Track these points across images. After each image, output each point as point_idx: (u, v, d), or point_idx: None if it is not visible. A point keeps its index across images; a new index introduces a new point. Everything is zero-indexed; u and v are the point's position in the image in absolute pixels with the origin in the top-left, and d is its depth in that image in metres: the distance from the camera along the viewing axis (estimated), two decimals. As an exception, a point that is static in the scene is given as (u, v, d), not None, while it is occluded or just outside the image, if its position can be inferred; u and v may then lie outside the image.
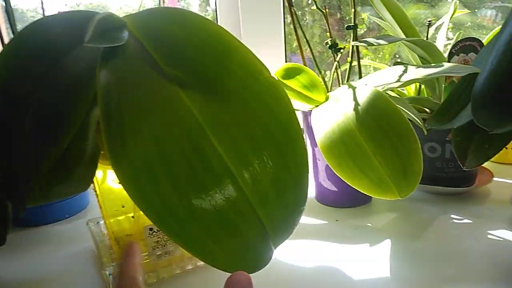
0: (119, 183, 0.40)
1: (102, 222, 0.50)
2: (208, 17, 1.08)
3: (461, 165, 0.40)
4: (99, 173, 0.43)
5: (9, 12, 0.62)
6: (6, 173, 0.35)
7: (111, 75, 0.33)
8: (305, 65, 0.56)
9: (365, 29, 1.13)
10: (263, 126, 0.32)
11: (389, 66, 0.58)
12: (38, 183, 0.35)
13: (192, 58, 0.33)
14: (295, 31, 0.55)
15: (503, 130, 0.34)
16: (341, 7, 1.22)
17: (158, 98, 0.32)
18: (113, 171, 0.30)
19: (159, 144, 0.30)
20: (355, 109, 0.44)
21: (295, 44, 0.68)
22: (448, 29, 0.85)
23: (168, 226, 0.29)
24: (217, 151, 0.30)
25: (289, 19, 0.82)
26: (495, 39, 0.39)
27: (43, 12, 0.60)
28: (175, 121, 0.31)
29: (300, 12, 1.13)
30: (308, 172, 0.32)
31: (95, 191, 0.43)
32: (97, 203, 0.45)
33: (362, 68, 0.88)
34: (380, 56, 1.14)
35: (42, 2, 0.55)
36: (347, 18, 1.22)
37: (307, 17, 1.14)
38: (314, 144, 0.55)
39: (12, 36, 0.62)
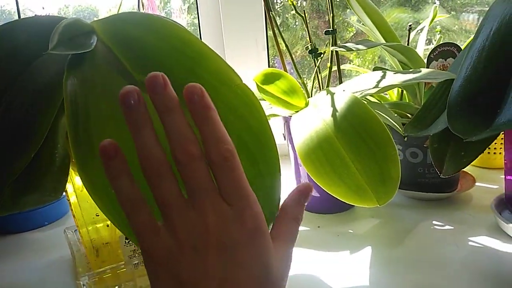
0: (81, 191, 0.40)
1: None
2: (193, 21, 1.08)
3: (438, 172, 0.39)
4: (77, 181, 0.42)
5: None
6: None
7: (79, 81, 0.32)
8: (285, 70, 0.56)
9: (354, 32, 1.13)
10: (235, 134, 0.31)
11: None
12: (8, 192, 0.35)
13: (163, 65, 0.33)
14: (274, 36, 0.54)
15: (477, 138, 0.34)
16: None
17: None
18: (80, 178, 0.30)
19: (127, 152, 0.30)
20: (333, 115, 0.44)
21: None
22: (436, 32, 0.85)
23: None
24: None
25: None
26: (470, 45, 0.39)
27: (19, 12, 0.59)
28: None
29: (287, 15, 1.13)
30: (280, 179, 0.31)
31: (68, 200, 0.42)
32: (72, 214, 0.44)
33: (348, 73, 0.88)
34: (369, 59, 1.15)
35: (17, 2, 0.54)
36: (336, 21, 1.23)
37: (296, 20, 1.14)
38: (295, 149, 0.54)
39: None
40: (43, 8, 0.62)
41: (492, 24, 0.37)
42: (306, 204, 0.30)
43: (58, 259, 0.50)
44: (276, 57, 0.88)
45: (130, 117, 0.25)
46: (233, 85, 0.33)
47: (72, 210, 0.43)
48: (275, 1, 1.03)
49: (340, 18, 1.22)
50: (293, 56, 0.57)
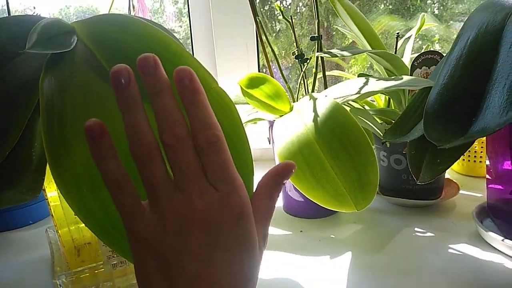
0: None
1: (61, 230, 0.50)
2: (184, 26, 1.08)
3: (415, 179, 0.40)
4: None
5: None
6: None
7: (56, 80, 0.32)
8: (271, 75, 0.56)
9: (352, 40, 1.14)
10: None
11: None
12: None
13: (141, 66, 0.33)
14: (261, 40, 0.55)
15: (451, 145, 0.34)
16: (329, 16, 1.23)
17: (103, 106, 0.32)
18: (52, 177, 0.30)
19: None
20: (315, 120, 0.44)
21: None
22: (434, 40, 0.85)
23: (112, 238, 0.29)
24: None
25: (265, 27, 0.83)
26: (448, 53, 0.39)
27: (9, 11, 0.59)
28: (121, 129, 0.31)
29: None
30: (253, 181, 0.31)
31: (47, 199, 0.42)
32: (51, 214, 0.44)
33: (339, 79, 0.89)
34: (367, 66, 1.15)
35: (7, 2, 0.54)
36: (334, 28, 1.23)
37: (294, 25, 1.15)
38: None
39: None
40: (34, 8, 0.62)
41: (469, 33, 0.38)
42: (284, 183, 0.29)
43: (39, 258, 0.50)
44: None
45: (120, 95, 0.25)
46: (209, 88, 0.33)
47: (50, 210, 0.43)
48: (271, 6, 1.03)
49: (339, 25, 1.23)
50: (287, 60, 0.57)
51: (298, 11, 1.22)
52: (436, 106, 0.37)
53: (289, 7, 1.16)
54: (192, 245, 0.24)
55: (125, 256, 0.30)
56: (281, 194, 0.60)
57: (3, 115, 0.32)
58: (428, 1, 1.20)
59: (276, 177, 0.29)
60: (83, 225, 0.47)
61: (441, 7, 1.19)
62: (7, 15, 0.51)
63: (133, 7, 0.64)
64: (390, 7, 1.21)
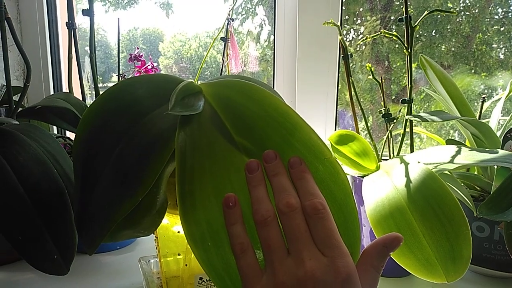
0: (179, 235, 0.43)
1: (152, 260, 0.53)
2: (258, 52, 1.13)
3: (497, 248, 0.40)
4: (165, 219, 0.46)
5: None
6: (83, 211, 0.38)
7: (188, 138, 0.36)
8: (357, 132, 0.58)
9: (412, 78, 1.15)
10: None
11: (441, 135, 0.58)
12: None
13: (261, 131, 0.36)
14: (351, 99, 0.57)
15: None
16: (389, 55, 1.25)
17: (227, 165, 0.35)
18: (182, 227, 0.33)
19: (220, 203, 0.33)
20: (407, 185, 0.45)
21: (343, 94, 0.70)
22: None
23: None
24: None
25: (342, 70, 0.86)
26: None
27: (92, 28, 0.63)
28: (240, 187, 0.34)
29: (353, 65, 1.16)
30: (359, 250, 0.33)
31: (156, 237, 0.46)
32: (154, 244, 0.48)
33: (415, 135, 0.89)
34: (415, 105, 1.15)
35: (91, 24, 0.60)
36: (394, 67, 1.24)
37: (363, 73, 1.17)
38: (364, 210, 0.56)
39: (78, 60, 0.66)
40: (138, 48, 0.69)
41: None
42: (390, 254, 0.32)
43: (130, 286, 0.54)
44: (341, 110, 0.91)
45: (251, 177, 0.32)
46: (322, 157, 0.35)
47: (157, 245, 0.47)
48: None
49: (399, 64, 1.23)
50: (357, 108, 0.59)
51: (358, 49, 1.24)
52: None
53: (351, 43, 1.19)
54: None
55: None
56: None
57: (141, 162, 0.36)
58: (494, 45, 1.19)
59: (383, 248, 0.32)
60: (170, 258, 0.51)
61: (508, 52, 1.17)
62: (91, 36, 0.55)
63: (227, 55, 0.69)
64: (453, 49, 1.20)
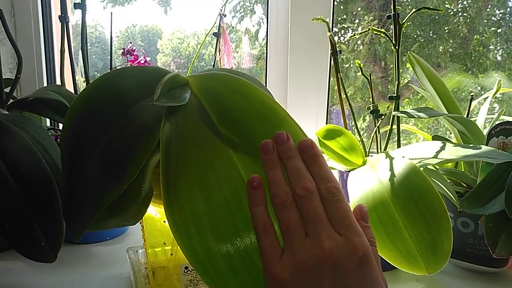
0: (165, 226, 0.44)
1: (140, 251, 0.54)
2: (256, 51, 1.14)
3: (490, 252, 0.40)
4: (150, 209, 0.47)
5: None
6: (70, 198, 0.39)
7: (173, 129, 0.37)
8: (345, 127, 0.59)
9: (408, 79, 1.15)
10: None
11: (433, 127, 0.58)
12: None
13: (247, 124, 0.37)
14: (339, 96, 0.58)
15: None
16: (386, 55, 1.25)
17: (212, 156, 0.36)
18: (165, 216, 0.34)
19: (209, 199, 0.34)
20: (391, 179, 0.46)
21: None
22: None
23: (210, 277, 0.32)
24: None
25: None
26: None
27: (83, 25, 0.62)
28: (224, 179, 0.35)
29: (344, 56, 1.16)
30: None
31: (142, 225, 0.47)
32: (141, 235, 0.49)
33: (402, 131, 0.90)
34: (412, 105, 1.16)
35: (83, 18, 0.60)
36: (391, 67, 1.25)
37: (356, 72, 1.18)
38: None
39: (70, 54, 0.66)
40: (131, 43, 0.69)
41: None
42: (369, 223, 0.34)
43: (118, 276, 0.54)
44: (333, 107, 0.91)
45: (267, 159, 0.32)
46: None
47: (144, 235, 0.47)
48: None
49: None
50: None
51: (356, 49, 1.25)
52: (519, 184, 0.38)
53: (348, 43, 1.19)
54: (324, 285, 0.28)
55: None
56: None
57: (126, 152, 0.37)
58: (491, 47, 1.19)
59: (361, 222, 0.34)
60: (158, 249, 0.51)
61: (505, 54, 1.18)
62: (83, 29, 0.56)
63: (219, 50, 0.69)
64: (450, 50, 1.21)
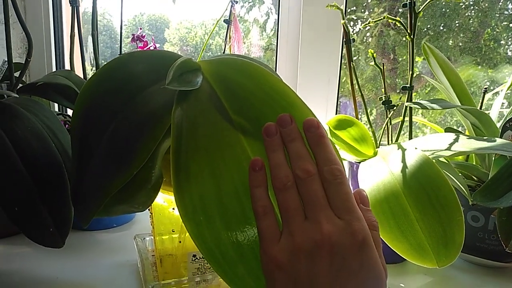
0: (174, 214, 0.44)
1: (148, 238, 0.54)
2: (263, 41, 1.13)
3: (503, 246, 0.40)
4: (158, 198, 0.46)
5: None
6: (78, 185, 0.39)
7: (184, 114, 0.36)
8: (357, 117, 0.58)
9: (417, 73, 1.14)
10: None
11: (443, 120, 0.58)
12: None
13: (257, 109, 0.36)
14: (351, 85, 0.57)
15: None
16: (395, 48, 1.24)
17: (222, 143, 0.35)
18: (175, 203, 0.34)
19: (219, 186, 0.34)
20: (403, 171, 0.45)
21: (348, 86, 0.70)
22: None
23: (218, 264, 0.32)
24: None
25: (345, 59, 0.85)
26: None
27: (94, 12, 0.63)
28: (235, 166, 0.34)
29: (359, 56, 1.15)
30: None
31: (151, 212, 0.47)
32: (150, 222, 0.48)
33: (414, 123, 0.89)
34: (420, 98, 1.14)
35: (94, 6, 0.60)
36: (399, 60, 1.23)
37: (367, 63, 1.16)
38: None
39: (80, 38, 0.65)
40: (141, 29, 0.68)
41: None
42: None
43: (125, 263, 0.54)
44: (340, 99, 0.90)
45: (269, 141, 0.32)
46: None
47: (152, 222, 0.47)
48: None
49: (405, 57, 1.22)
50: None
51: (365, 40, 1.23)
52: (536, 177, 0.37)
53: (358, 34, 1.18)
54: (321, 269, 0.27)
55: (228, 282, 0.33)
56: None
57: (136, 137, 0.36)
58: (502, 41, 1.17)
59: (361, 206, 0.33)
60: (166, 237, 0.51)
61: None
62: (93, 13, 0.55)
63: (230, 38, 0.69)
64: (460, 44, 1.19)
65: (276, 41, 0.85)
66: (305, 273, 0.27)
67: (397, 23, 0.51)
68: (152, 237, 0.54)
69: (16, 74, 0.57)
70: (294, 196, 0.30)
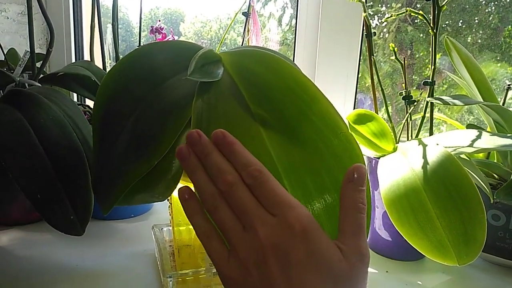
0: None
1: (165, 229, 0.54)
2: (278, 36, 1.12)
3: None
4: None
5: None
6: (100, 173, 0.39)
7: (205, 105, 0.36)
8: (376, 111, 0.57)
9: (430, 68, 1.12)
10: (332, 175, 0.34)
11: (460, 119, 0.57)
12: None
13: (278, 102, 0.36)
14: (372, 80, 0.56)
15: None
16: (412, 44, 1.22)
17: (242, 133, 0.35)
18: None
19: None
20: (424, 167, 0.45)
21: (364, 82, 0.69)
22: None
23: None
24: (285, 187, 0.32)
25: (363, 54, 0.84)
26: None
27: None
28: (255, 157, 0.34)
29: (376, 52, 1.14)
30: (368, 230, 0.33)
31: (170, 203, 0.47)
32: (168, 212, 0.49)
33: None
34: (457, 108, 1.12)
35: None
36: (416, 56, 1.21)
37: (386, 58, 1.15)
38: (379, 191, 0.56)
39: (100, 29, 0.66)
40: (159, 21, 0.69)
41: None
42: (365, 187, 0.31)
43: (142, 252, 0.55)
44: (358, 94, 0.90)
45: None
46: (338, 131, 0.35)
47: (171, 212, 0.47)
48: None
49: (422, 53, 1.20)
50: (378, 92, 0.58)
51: (381, 36, 1.22)
52: None
53: (375, 30, 1.16)
54: (273, 272, 0.27)
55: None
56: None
57: (159, 125, 0.37)
58: None
59: (351, 184, 0.31)
60: (183, 228, 0.52)
61: None
62: (114, 3, 0.55)
63: (248, 31, 0.68)
64: (479, 41, 1.17)
65: (294, 36, 0.84)
66: (260, 282, 0.28)
67: (419, 16, 0.50)
68: (170, 228, 0.54)
69: (38, 64, 0.58)
70: (226, 213, 0.30)
